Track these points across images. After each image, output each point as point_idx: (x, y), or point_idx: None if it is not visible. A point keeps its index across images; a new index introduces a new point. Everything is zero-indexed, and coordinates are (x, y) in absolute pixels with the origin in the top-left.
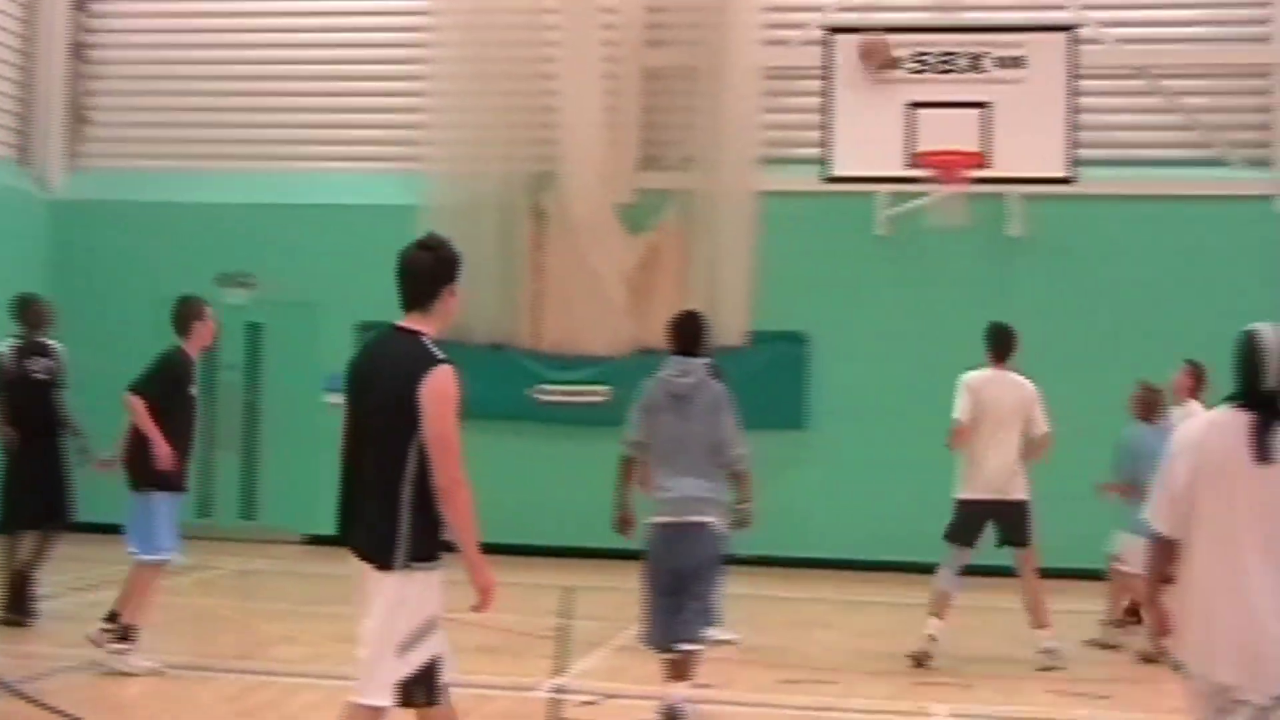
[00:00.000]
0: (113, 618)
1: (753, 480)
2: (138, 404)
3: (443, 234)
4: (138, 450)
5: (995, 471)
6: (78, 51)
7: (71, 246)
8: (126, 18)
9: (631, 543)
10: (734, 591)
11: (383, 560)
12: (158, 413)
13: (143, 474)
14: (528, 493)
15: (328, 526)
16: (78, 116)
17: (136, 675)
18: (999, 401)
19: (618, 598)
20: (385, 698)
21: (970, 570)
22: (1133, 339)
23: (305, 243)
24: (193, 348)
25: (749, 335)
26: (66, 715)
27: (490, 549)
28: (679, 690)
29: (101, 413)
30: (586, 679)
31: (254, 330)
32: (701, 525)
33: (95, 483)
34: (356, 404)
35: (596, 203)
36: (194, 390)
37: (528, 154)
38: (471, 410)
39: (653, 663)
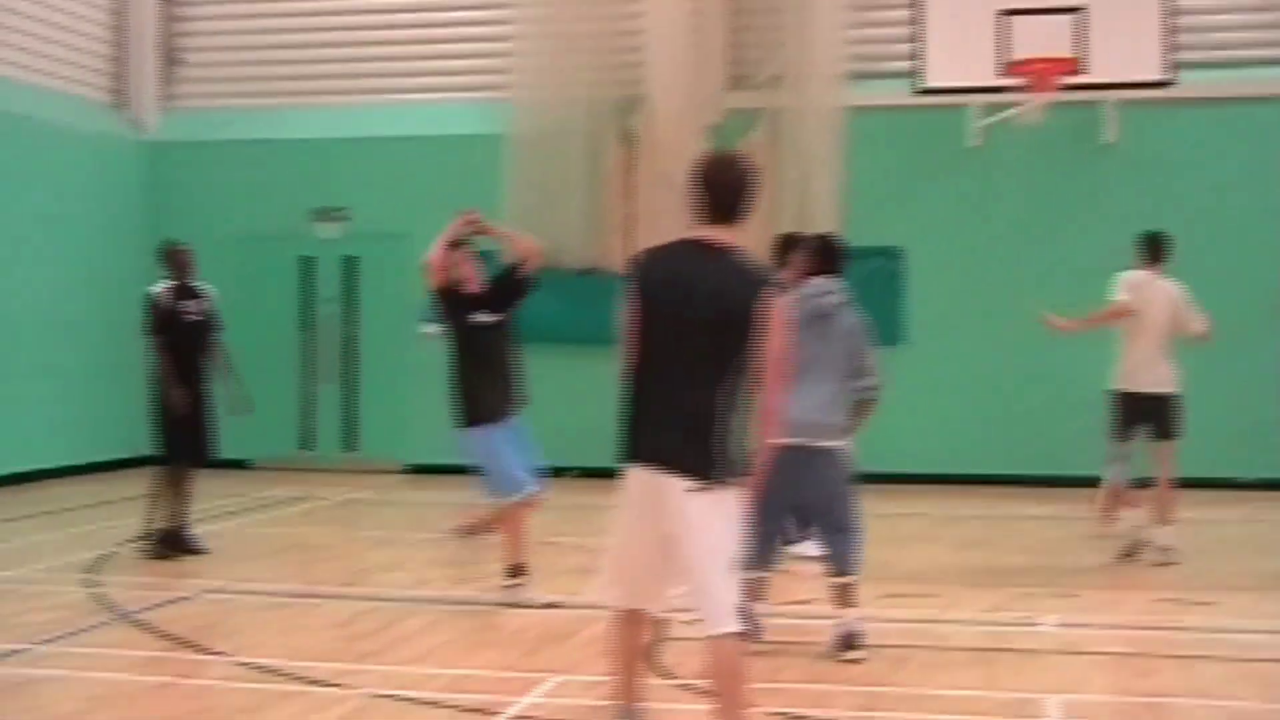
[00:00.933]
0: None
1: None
2: None
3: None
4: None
5: (1150, 367)
6: None
7: (167, 187)
8: None
9: None
10: None
11: (701, 474)
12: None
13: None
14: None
15: (427, 456)
16: (170, 58)
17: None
18: (1155, 302)
19: None
20: (735, 622)
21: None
22: (1231, 247)
23: (396, 175)
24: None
25: None
26: (180, 641)
27: (590, 472)
28: (850, 614)
29: None
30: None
31: (350, 264)
32: (827, 450)
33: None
34: (666, 315)
35: (684, 124)
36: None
37: (614, 78)
38: (563, 334)
39: (774, 580)
